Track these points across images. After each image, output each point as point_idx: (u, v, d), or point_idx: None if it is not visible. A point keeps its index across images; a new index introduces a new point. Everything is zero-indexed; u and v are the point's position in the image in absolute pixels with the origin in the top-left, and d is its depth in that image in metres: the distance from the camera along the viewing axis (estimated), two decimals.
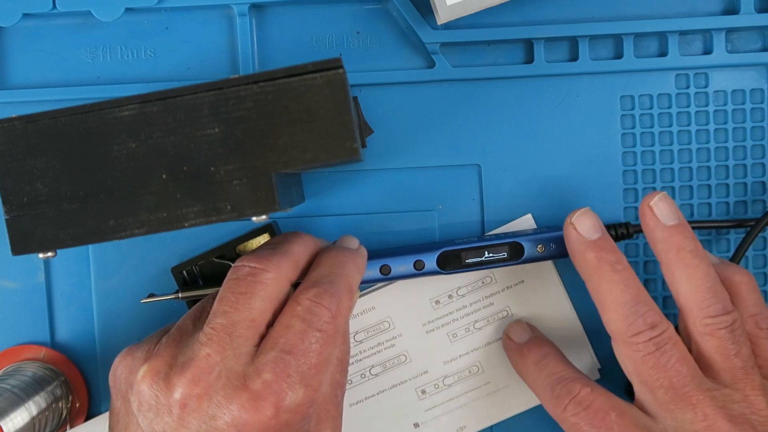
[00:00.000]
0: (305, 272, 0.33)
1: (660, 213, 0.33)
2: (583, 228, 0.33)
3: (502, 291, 0.38)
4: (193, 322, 0.32)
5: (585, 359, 0.38)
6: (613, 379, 0.37)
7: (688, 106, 0.38)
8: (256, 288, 0.30)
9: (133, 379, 0.30)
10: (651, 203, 0.33)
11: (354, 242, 0.35)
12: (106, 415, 0.38)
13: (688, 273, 0.32)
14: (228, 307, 0.30)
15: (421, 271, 0.36)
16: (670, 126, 0.38)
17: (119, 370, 0.31)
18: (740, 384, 0.31)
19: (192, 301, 0.37)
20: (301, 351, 0.29)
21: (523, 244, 0.36)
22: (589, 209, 0.34)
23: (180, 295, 0.36)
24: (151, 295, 0.36)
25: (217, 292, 0.34)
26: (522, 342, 0.36)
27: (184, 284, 0.37)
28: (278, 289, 0.31)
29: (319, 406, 0.31)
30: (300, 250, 0.32)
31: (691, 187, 0.39)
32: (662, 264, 0.33)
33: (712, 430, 0.30)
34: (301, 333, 0.29)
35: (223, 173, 0.28)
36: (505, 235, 0.36)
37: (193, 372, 0.28)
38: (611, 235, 0.34)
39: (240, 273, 0.30)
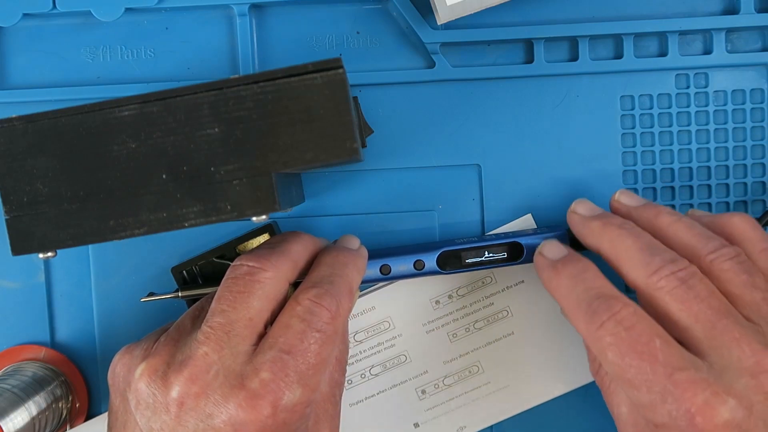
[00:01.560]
0: (305, 272, 0.33)
1: (627, 201, 0.34)
2: (584, 209, 0.34)
3: (502, 291, 0.38)
4: (192, 321, 0.32)
5: (585, 359, 0.38)
6: None
7: (688, 106, 0.38)
8: (254, 287, 0.30)
9: (131, 378, 0.30)
10: (616, 198, 0.35)
11: (355, 242, 0.35)
12: (106, 414, 0.38)
13: (674, 228, 0.31)
14: (226, 306, 0.30)
15: (421, 271, 0.36)
16: (670, 126, 0.38)
17: (117, 368, 0.31)
18: None
19: (192, 300, 0.37)
20: (300, 351, 0.29)
21: (523, 244, 0.36)
22: (585, 199, 0.35)
23: (180, 294, 0.36)
24: (151, 294, 0.36)
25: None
26: (555, 257, 0.33)
27: (184, 284, 0.37)
28: (277, 288, 0.31)
29: (318, 405, 0.31)
30: (299, 250, 0.32)
31: (691, 187, 0.39)
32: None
33: (764, 367, 0.27)
34: (300, 333, 0.29)
35: (223, 173, 0.28)
36: (505, 235, 0.36)
37: (190, 370, 0.28)
38: None
39: (238, 272, 0.30)
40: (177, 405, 0.28)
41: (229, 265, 0.36)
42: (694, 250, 0.31)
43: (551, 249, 0.34)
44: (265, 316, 0.30)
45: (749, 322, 0.29)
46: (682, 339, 0.29)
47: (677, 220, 0.32)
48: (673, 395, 0.27)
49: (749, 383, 0.27)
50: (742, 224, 0.32)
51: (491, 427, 0.38)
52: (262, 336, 0.30)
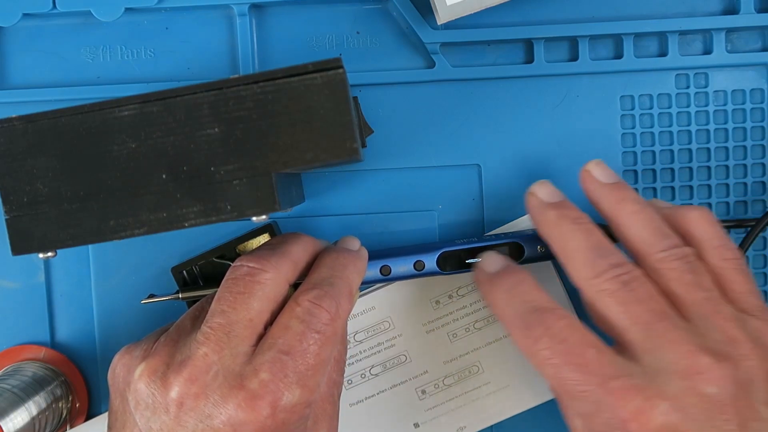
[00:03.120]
0: (305, 273, 0.33)
1: (598, 174, 0.33)
2: (543, 193, 0.33)
3: None
4: (192, 321, 0.32)
5: None
6: None
7: (688, 106, 0.38)
8: (254, 288, 0.30)
9: (131, 378, 0.30)
10: (587, 168, 0.33)
11: (355, 243, 0.35)
12: (106, 414, 0.38)
13: (633, 218, 0.31)
14: (226, 307, 0.30)
15: (421, 272, 0.36)
16: (670, 126, 0.38)
17: (117, 369, 0.31)
18: (711, 317, 0.29)
19: (192, 302, 0.37)
20: (299, 352, 0.29)
21: (523, 244, 0.36)
22: (547, 180, 0.34)
23: (180, 296, 0.36)
24: (152, 296, 0.36)
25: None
26: (492, 270, 0.33)
27: (184, 284, 0.37)
28: (276, 289, 0.31)
29: (316, 405, 0.31)
30: (299, 251, 0.32)
31: (691, 187, 0.39)
32: (609, 221, 0.32)
33: (697, 368, 0.28)
34: (299, 334, 0.29)
35: (223, 173, 0.28)
36: (505, 235, 0.36)
37: (190, 371, 0.28)
38: (607, 236, 0.34)
39: (238, 273, 0.30)
40: (176, 405, 0.28)
41: (229, 265, 0.36)
42: (645, 246, 0.31)
43: (489, 262, 0.34)
44: (264, 317, 0.30)
45: (689, 323, 0.29)
46: (620, 342, 0.30)
47: (639, 210, 0.32)
48: (606, 404, 0.28)
49: (682, 385, 0.27)
50: (699, 220, 0.32)
51: (491, 427, 0.38)
52: (261, 336, 0.30)
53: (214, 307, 0.30)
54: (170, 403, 0.28)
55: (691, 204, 0.39)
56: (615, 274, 0.30)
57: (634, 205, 0.32)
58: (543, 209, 0.33)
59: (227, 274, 0.31)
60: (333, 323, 0.30)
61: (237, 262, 0.31)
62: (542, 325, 0.30)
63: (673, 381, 0.28)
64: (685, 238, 0.32)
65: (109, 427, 0.31)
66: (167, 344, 0.30)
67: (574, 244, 0.31)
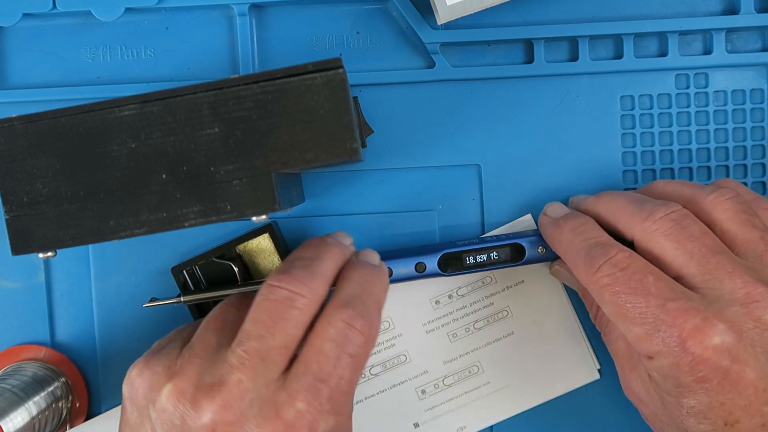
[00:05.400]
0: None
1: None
2: (579, 198, 0.37)
3: (502, 291, 0.38)
4: (217, 336, 0.31)
5: (585, 359, 0.38)
6: (613, 379, 0.37)
7: (688, 106, 0.38)
8: (292, 314, 0.29)
9: (155, 396, 0.29)
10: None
11: (376, 257, 0.34)
12: (106, 414, 0.38)
13: (672, 186, 0.34)
14: (264, 332, 0.29)
15: (422, 273, 0.36)
16: (670, 126, 0.38)
17: (137, 383, 0.30)
18: (765, 255, 0.30)
19: (194, 305, 0.37)
20: (334, 378, 0.29)
21: (525, 245, 0.36)
22: (555, 203, 0.36)
23: (182, 299, 0.36)
24: (153, 299, 0.36)
25: (224, 298, 0.33)
26: (557, 215, 0.35)
27: (185, 285, 0.37)
28: (312, 313, 0.30)
29: (342, 425, 0.31)
30: (332, 267, 0.32)
31: None
32: (639, 243, 0.32)
33: (754, 297, 0.29)
34: (334, 359, 0.29)
35: (223, 173, 0.28)
36: (507, 236, 0.36)
37: (224, 397, 0.28)
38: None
39: (278, 296, 0.29)
40: (208, 431, 0.28)
41: (230, 265, 0.36)
42: (693, 196, 0.32)
43: (554, 209, 0.36)
44: (298, 341, 0.30)
45: (743, 259, 0.30)
46: (678, 277, 0.31)
47: (675, 181, 0.35)
48: (665, 323, 0.29)
49: (739, 311, 0.29)
50: (732, 183, 0.34)
51: (491, 427, 0.38)
52: (293, 358, 0.29)
53: (249, 329, 0.29)
54: (202, 428, 0.28)
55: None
56: (664, 213, 0.31)
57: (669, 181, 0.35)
58: (583, 200, 0.36)
59: (264, 292, 0.30)
60: (366, 345, 0.30)
61: (274, 282, 0.30)
62: (605, 255, 0.31)
63: (732, 307, 0.29)
64: None
65: None
66: (193, 362, 0.29)
67: (618, 203, 0.33)
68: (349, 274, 0.32)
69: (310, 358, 0.29)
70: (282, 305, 0.29)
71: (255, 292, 0.30)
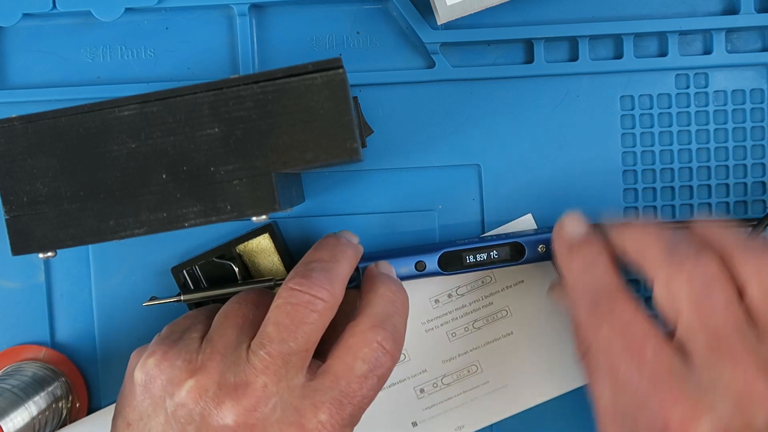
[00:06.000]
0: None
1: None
2: (578, 227, 0.34)
3: (502, 290, 0.38)
4: (237, 332, 0.31)
5: None
6: None
7: (688, 106, 0.38)
8: (313, 318, 0.29)
9: (175, 390, 0.29)
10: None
11: (392, 269, 0.35)
12: (106, 410, 0.38)
13: (709, 225, 0.31)
14: (286, 335, 0.29)
15: (422, 272, 0.36)
16: (670, 126, 0.38)
17: (154, 373, 0.30)
18: None
19: (194, 304, 0.37)
20: (359, 397, 0.29)
21: (525, 244, 0.36)
22: (575, 215, 0.35)
23: (182, 298, 0.36)
24: (153, 298, 0.36)
25: (224, 297, 0.33)
26: (573, 237, 0.34)
27: (184, 284, 0.37)
28: (331, 316, 0.30)
29: None
30: (348, 270, 0.32)
31: (691, 187, 0.39)
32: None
33: (749, 394, 0.27)
34: (362, 378, 0.29)
35: (223, 173, 0.28)
36: (507, 235, 0.36)
37: (249, 401, 0.28)
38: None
39: (300, 300, 0.30)
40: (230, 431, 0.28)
41: (230, 265, 0.36)
42: (733, 252, 0.29)
43: (572, 225, 0.34)
44: (316, 344, 0.30)
45: (757, 337, 0.28)
46: (682, 342, 0.29)
47: (716, 225, 0.32)
48: (653, 401, 0.28)
49: (731, 408, 0.27)
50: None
51: (490, 426, 0.38)
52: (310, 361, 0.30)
53: (271, 333, 0.29)
54: (224, 428, 0.28)
55: (691, 203, 0.39)
56: (694, 267, 0.29)
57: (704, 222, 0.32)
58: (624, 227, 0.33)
59: (284, 294, 0.30)
60: (392, 367, 0.30)
61: (295, 285, 0.30)
62: (610, 306, 0.30)
63: (725, 399, 0.27)
64: None
65: (129, 423, 0.31)
66: (214, 358, 0.29)
67: (647, 240, 0.31)
68: (381, 290, 0.32)
69: (339, 374, 0.29)
70: (304, 309, 0.29)
71: (266, 288, 0.31)
